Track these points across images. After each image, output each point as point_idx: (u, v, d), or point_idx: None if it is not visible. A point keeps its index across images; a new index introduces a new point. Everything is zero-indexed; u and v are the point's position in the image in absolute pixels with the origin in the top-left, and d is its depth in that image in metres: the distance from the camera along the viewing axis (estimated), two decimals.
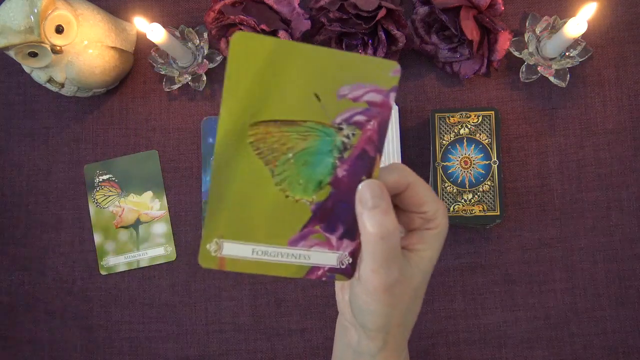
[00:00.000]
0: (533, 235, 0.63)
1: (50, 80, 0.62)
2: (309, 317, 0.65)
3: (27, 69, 0.63)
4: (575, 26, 0.56)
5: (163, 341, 0.65)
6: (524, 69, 0.63)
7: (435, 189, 0.60)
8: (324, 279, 0.32)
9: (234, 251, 0.31)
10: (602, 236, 0.63)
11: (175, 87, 0.66)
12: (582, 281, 0.63)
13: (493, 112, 0.60)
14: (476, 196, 0.60)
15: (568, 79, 0.62)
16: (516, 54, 0.63)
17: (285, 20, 0.62)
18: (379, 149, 0.31)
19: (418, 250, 0.35)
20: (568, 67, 0.62)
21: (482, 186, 0.60)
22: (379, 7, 0.58)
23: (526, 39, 0.63)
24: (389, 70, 0.30)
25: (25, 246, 0.67)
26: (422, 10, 0.62)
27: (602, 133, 0.64)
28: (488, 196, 0.60)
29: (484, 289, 0.63)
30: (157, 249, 0.63)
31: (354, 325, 0.37)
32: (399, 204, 0.35)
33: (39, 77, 0.62)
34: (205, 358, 0.65)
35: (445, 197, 0.60)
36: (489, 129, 0.60)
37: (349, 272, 0.33)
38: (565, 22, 0.57)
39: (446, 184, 0.60)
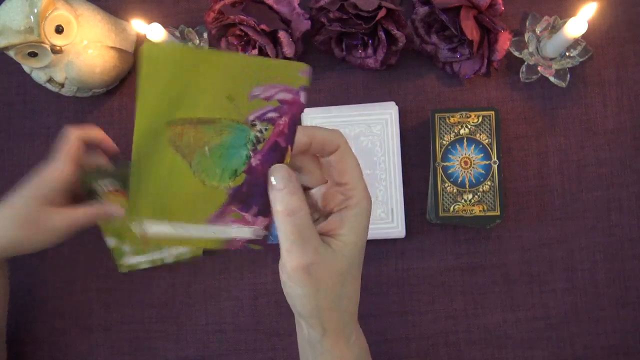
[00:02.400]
0: (533, 235, 0.63)
1: (50, 80, 0.62)
2: None
3: (27, 69, 0.63)
4: (575, 26, 0.56)
5: (163, 341, 0.65)
6: (524, 69, 0.63)
7: (435, 189, 0.60)
8: (241, 247, 0.36)
9: (155, 228, 0.35)
10: (602, 236, 0.63)
11: None
12: (582, 281, 0.63)
13: (493, 112, 0.60)
14: (476, 196, 0.60)
15: (568, 79, 0.62)
16: (516, 54, 0.63)
17: (285, 20, 0.62)
18: (290, 140, 0.34)
19: (340, 235, 0.36)
20: (568, 67, 0.62)
21: (482, 186, 0.60)
22: (379, 7, 0.58)
23: (526, 39, 0.63)
24: (297, 71, 0.33)
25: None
26: (422, 10, 0.62)
27: (602, 133, 0.64)
28: (488, 196, 0.60)
29: (484, 289, 0.63)
30: (181, 247, 0.63)
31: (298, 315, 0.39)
32: (326, 172, 0.37)
33: (39, 77, 0.62)
34: (205, 358, 0.65)
35: (445, 197, 0.60)
36: (489, 129, 0.60)
37: (263, 242, 0.36)
38: (565, 22, 0.57)
39: (446, 184, 0.60)
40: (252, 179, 0.35)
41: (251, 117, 0.34)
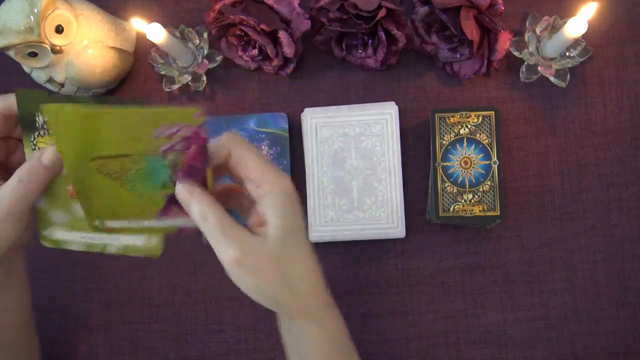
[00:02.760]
0: (533, 235, 0.63)
1: (50, 80, 0.62)
2: None
3: (27, 69, 0.63)
4: (575, 26, 0.56)
5: (163, 341, 0.65)
6: (524, 69, 0.63)
7: (435, 189, 0.60)
8: (193, 232, 0.40)
9: (114, 224, 0.41)
10: (602, 236, 0.63)
11: (175, 87, 0.66)
12: (582, 281, 0.63)
13: (493, 112, 0.60)
14: (476, 196, 0.60)
15: (568, 79, 0.62)
16: (516, 54, 0.63)
17: (285, 20, 0.62)
18: (204, 163, 0.38)
19: (267, 221, 0.39)
20: (568, 67, 0.62)
21: (482, 186, 0.60)
22: (379, 7, 0.58)
23: (526, 39, 0.63)
24: (191, 115, 0.35)
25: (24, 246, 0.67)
26: (422, 10, 0.62)
27: (602, 133, 0.64)
28: (488, 196, 0.60)
29: (484, 289, 0.63)
30: (134, 236, 0.46)
31: None
32: (234, 177, 0.40)
33: (39, 77, 0.62)
34: (205, 358, 0.65)
35: (445, 197, 0.60)
36: (489, 129, 0.60)
37: None
38: (565, 22, 0.57)
39: (446, 184, 0.60)
40: None
41: (162, 149, 0.37)
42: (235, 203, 0.43)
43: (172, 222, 0.41)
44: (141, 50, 0.68)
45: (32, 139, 0.40)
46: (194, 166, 0.38)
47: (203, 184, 0.39)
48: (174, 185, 0.38)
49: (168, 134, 0.36)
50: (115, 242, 0.45)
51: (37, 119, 0.39)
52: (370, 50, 0.63)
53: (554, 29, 0.63)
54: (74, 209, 0.42)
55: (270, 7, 0.61)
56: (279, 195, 0.38)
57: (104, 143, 0.36)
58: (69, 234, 0.45)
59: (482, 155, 0.60)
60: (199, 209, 0.38)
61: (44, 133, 0.40)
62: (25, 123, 0.40)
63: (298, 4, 0.62)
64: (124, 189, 0.39)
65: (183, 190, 0.38)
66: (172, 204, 0.39)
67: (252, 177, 0.39)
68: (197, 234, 0.40)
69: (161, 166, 0.38)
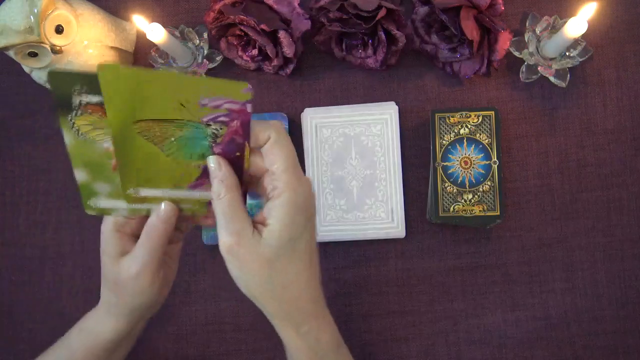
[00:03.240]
0: (533, 235, 0.63)
1: None
2: None
3: (27, 69, 0.63)
4: (575, 26, 0.56)
5: (163, 341, 0.65)
6: (524, 69, 0.63)
7: (435, 189, 0.60)
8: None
9: (148, 193, 0.42)
10: (602, 236, 0.63)
11: None
12: (582, 281, 0.63)
13: (493, 112, 0.60)
14: (476, 196, 0.60)
15: (568, 79, 0.62)
16: (516, 54, 0.63)
17: (285, 20, 0.62)
18: (246, 137, 0.38)
19: (268, 224, 0.39)
20: (568, 67, 0.62)
21: (482, 186, 0.60)
22: (379, 7, 0.58)
23: (526, 39, 0.63)
24: (239, 90, 0.36)
25: (25, 246, 0.67)
26: (422, 10, 0.62)
27: (602, 133, 0.64)
28: (488, 196, 0.60)
29: (484, 289, 0.63)
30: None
31: None
32: (266, 162, 0.40)
33: (39, 77, 0.62)
34: (205, 358, 0.65)
35: (445, 197, 0.60)
36: (489, 129, 0.60)
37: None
38: (565, 22, 0.57)
39: (446, 184, 0.60)
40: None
41: (205, 119, 0.37)
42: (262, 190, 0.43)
43: (204, 195, 0.42)
44: (141, 50, 0.68)
45: (70, 119, 0.40)
46: (235, 139, 0.38)
47: (239, 164, 0.40)
48: (212, 155, 0.39)
49: (214, 105, 0.37)
50: (157, 206, 0.45)
51: (72, 99, 0.39)
52: (370, 50, 0.63)
53: (554, 29, 0.63)
54: (118, 181, 0.43)
55: (270, 7, 0.61)
56: (288, 202, 0.38)
57: (151, 107, 0.37)
58: (113, 202, 0.45)
59: (482, 155, 0.60)
60: (218, 186, 0.38)
61: (81, 113, 0.39)
62: (61, 103, 0.39)
63: (298, 4, 0.62)
64: (163, 154, 0.39)
65: (213, 162, 0.39)
66: (205, 176, 0.40)
67: (274, 172, 0.39)
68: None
69: (202, 135, 0.38)
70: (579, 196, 0.63)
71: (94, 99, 0.39)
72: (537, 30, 0.63)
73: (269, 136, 0.39)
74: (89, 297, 0.66)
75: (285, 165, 0.38)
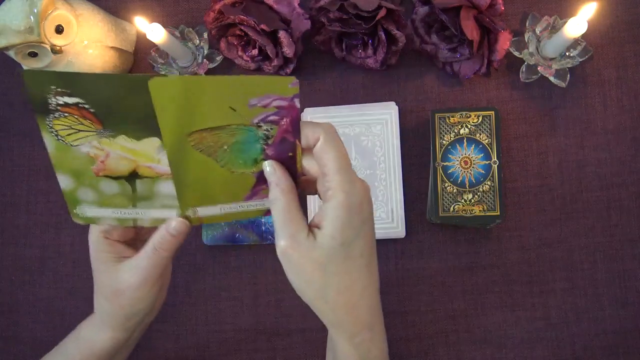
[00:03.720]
0: (533, 235, 0.63)
1: None
2: (309, 317, 0.64)
3: (27, 69, 0.63)
4: (575, 26, 0.56)
5: (163, 341, 0.65)
6: (524, 69, 0.63)
7: (435, 189, 0.60)
8: None
9: (206, 212, 0.42)
10: (602, 236, 0.63)
11: None
12: (582, 281, 0.63)
13: (493, 112, 0.60)
14: (476, 196, 0.60)
15: (568, 79, 0.62)
16: (516, 54, 0.63)
17: (285, 20, 0.62)
18: (296, 135, 0.38)
19: (321, 227, 0.38)
20: (568, 67, 0.62)
21: (482, 186, 0.60)
22: (379, 7, 0.58)
23: (526, 39, 0.63)
24: (287, 84, 0.36)
25: (25, 246, 0.67)
26: (422, 10, 0.62)
27: (602, 133, 0.64)
28: (488, 196, 0.60)
29: (484, 289, 0.63)
30: (165, 210, 0.44)
31: None
32: (318, 164, 0.39)
33: None
34: (205, 358, 0.65)
35: (445, 197, 0.60)
36: (489, 129, 0.60)
37: None
38: (565, 22, 0.57)
39: (446, 184, 0.60)
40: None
41: (255, 121, 0.37)
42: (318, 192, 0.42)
43: (260, 204, 0.42)
44: (141, 50, 0.68)
45: (48, 122, 0.38)
46: (286, 139, 0.38)
47: (293, 165, 0.40)
48: (265, 159, 0.40)
49: (263, 104, 0.36)
50: (145, 216, 0.44)
51: (49, 100, 0.37)
52: (370, 50, 0.63)
53: (554, 29, 0.63)
54: (102, 188, 0.42)
55: (270, 7, 0.61)
56: (340, 205, 0.37)
57: (202, 115, 0.37)
58: (99, 210, 0.44)
59: (482, 155, 0.60)
60: (274, 190, 0.39)
61: (59, 115, 0.38)
62: (38, 106, 0.37)
63: (298, 4, 0.62)
64: (218, 165, 0.40)
65: (268, 166, 0.39)
66: (261, 183, 0.41)
67: (326, 174, 0.38)
68: None
69: (254, 139, 0.38)
70: (579, 196, 0.63)
71: (70, 100, 0.37)
72: (537, 30, 0.63)
73: (319, 137, 0.38)
74: (89, 297, 0.66)
75: (337, 166, 0.38)
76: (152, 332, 0.65)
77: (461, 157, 0.60)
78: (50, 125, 0.39)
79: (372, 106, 0.63)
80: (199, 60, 0.66)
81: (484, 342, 0.63)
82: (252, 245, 0.65)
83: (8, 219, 0.68)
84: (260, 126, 0.38)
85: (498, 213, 0.59)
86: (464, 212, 0.60)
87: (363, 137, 0.63)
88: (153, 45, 0.61)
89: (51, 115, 0.38)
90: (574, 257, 0.63)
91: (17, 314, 0.67)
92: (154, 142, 0.40)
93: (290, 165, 0.40)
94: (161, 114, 0.36)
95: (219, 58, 0.66)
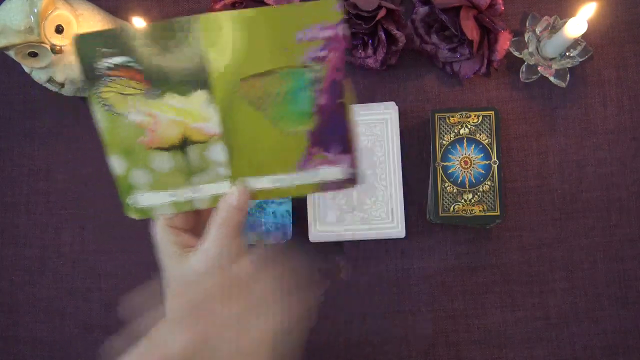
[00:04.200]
0: (533, 235, 0.63)
1: (50, 80, 0.62)
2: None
3: (27, 69, 0.63)
4: (575, 26, 0.56)
5: None
6: (524, 69, 0.63)
7: (435, 189, 0.60)
8: (336, 190, 0.40)
9: (258, 184, 0.40)
10: (602, 236, 0.63)
11: None
12: (582, 281, 0.63)
13: (493, 112, 0.60)
14: (476, 196, 0.60)
15: (568, 79, 0.62)
16: (516, 54, 0.63)
17: None
18: (344, 72, 0.37)
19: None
20: (568, 67, 0.62)
21: (482, 186, 0.60)
22: (379, 7, 0.58)
23: (526, 39, 0.63)
24: (330, 7, 0.35)
25: (25, 246, 0.67)
26: (422, 10, 0.62)
27: (602, 133, 0.64)
28: (488, 196, 0.60)
29: (484, 289, 0.63)
30: (220, 184, 0.41)
31: None
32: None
33: (39, 77, 0.62)
34: None
35: (445, 197, 0.60)
36: (489, 129, 0.60)
37: (354, 181, 0.40)
38: (565, 22, 0.57)
39: (446, 184, 0.60)
40: (324, 118, 0.38)
41: (303, 60, 0.37)
42: None
43: (313, 175, 0.40)
44: None
45: (98, 92, 0.38)
46: (335, 80, 0.37)
47: (341, 114, 0.38)
48: (318, 115, 0.38)
49: (310, 37, 0.36)
50: (201, 195, 0.41)
51: (98, 64, 0.37)
52: (370, 50, 0.63)
53: (554, 29, 0.63)
54: (155, 164, 0.39)
55: None
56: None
57: (252, 56, 0.36)
58: (154, 197, 0.41)
59: (482, 155, 0.60)
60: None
61: (108, 80, 0.37)
62: (88, 73, 0.37)
63: None
64: (268, 122, 0.38)
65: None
66: (315, 145, 0.39)
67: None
68: (340, 189, 0.40)
69: (303, 84, 0.37)
70: (579, 196, 0.63)
71: (119, 60, 0.37)
72: (537, 30, 0.63)
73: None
74: (89, 297, 0.66)
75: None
76: None
77: (461, 157, 0.60)
78: (100, 95, 0.38)
79: (372, 106, 0.63)
80: None
81: (484, 342, 0.63)
82: (252, 245, 0.65)
83: (8, 219, 0.68)
84: (308, 66, 0.37)
85: (498, 213, 0.59)
86: (464, 212, 0.60)
87: (363, 137, 0.63)
88: None
89: (101, 83, 0.38)
90: (574, 257, 0.63)
91: (17, 314, 0.67)
92: (202, 95, 0.38)
93: (338, 116, 0.38)
94: (211, 55, 0.36)
95: None
